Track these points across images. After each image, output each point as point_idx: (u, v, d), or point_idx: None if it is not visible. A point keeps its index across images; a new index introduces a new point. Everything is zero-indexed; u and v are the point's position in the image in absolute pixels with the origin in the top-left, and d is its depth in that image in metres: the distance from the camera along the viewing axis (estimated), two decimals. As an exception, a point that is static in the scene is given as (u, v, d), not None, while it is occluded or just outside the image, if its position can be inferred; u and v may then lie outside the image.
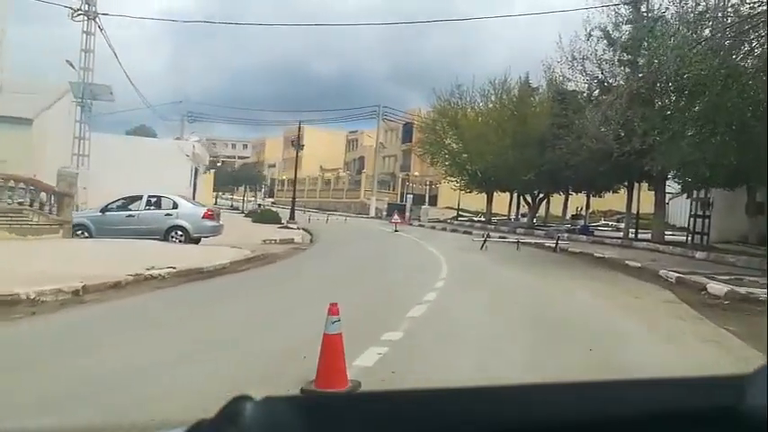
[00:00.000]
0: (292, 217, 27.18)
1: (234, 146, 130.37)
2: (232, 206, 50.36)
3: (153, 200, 17.01)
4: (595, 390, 0.69)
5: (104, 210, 16.53)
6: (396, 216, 28.78)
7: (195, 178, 26.07)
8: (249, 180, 51.68)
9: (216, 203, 56.30)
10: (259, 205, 51.03)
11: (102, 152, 21.56)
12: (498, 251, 18.63)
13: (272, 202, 75.51)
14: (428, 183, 60.78)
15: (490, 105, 34.77)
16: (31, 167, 20.98)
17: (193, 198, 25.64)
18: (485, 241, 19.04)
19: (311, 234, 26.91)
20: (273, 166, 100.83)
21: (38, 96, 22.12)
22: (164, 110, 45.01)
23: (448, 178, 41.25)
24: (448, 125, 37.30)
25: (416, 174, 62.99)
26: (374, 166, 53.16)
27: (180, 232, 16.61)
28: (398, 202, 54.19)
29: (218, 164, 62.38)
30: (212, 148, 73.21)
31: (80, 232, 16.21)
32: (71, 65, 20.48)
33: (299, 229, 26.48)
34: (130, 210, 16.71)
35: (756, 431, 0.59)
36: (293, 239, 21.25)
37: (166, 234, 16.50)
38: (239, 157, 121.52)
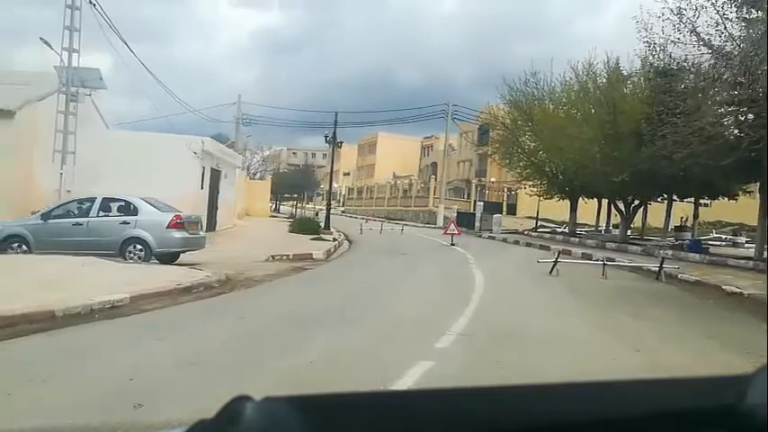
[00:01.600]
0: (327, 226, 22.88)
1: (314, 155, 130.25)
2: (292, 214, 47.00)
3: (109, 204, 13.16)
4: (595, 390, 0.69)
5: (46, 216, 12.84)
6: (452, 226, 23.72)
7: (217, 182, 22.25)
8: (305, 187, 47.84)
9: (275, 210, 53.51)
10: (316, 213, 47.34)
11: (97, 149, 18.18)
12: (574, 278, 13.27)
13: (342, 211, 72.47)
14: (505, 189, 54.92)
15: (572, 96, 29.02)
16: (13, 166, 17.90)
17: (213, 205, 21.92)
18: (555, 263, 13.73)
19: (346, 244, 22.55)
20: (348, 174, 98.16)
21: (32, 88, 19.20)
22: (223, 114, 41.92)
23: (524, 182, 35.60)
24: (522, 119, 31.81)
25: (493, 180, 57.35)
26: (443, 171, 48.12)
27: (139, 246, 12.63)
28: (471, 210, 48.90)
29: (277, 170, 59.40)
30: (276, 155, 70.87)
31: (16, 245, 12.62)
32: (47, 44, 17.25)
33: (334, 240, 22.17)
34: (78, 216, 12.94)
35: (757, 431, 0.59)
36: (311, 255, 16.91)
37: (122, 248, 12.58)
38: (318, 167, 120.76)
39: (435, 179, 54.70)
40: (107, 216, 12.91)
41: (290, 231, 25.78)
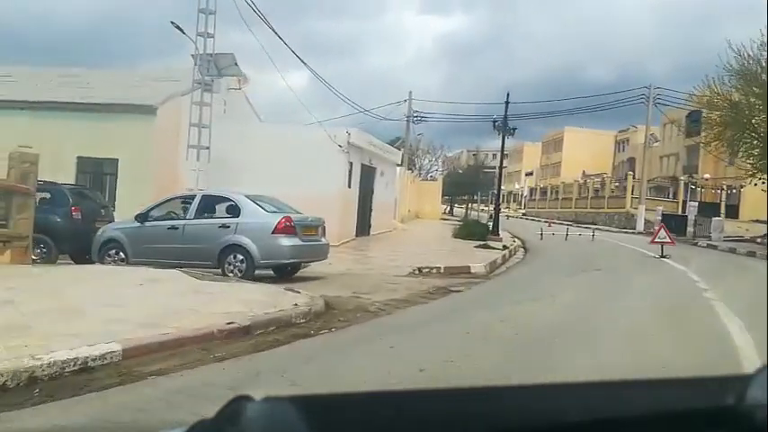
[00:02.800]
0: (495, 231, 18.79)
1: (494, 156, 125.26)
2: (466, 217, 43.36)
3: (212, 202, 10.68)
4: (595, 390, 0.69)
5: (142, 217, 10.69)
6: (661, 233, 18.09)
7: (371, 180, 19.47)
8: (479, 187, 43.32)
9: (449, 213, 50.14)
10: (491, 216, 43.08)
11: (234, 143, 16.36)
12: None
13: (523, 213, 66.93)
14: (724, 187, 45.32)
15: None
16: (156, 164, 16.70)
17: (366, 206, 19.14)
18: None
19: (520, 253, 18.35)
20: (530, 173, 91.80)
21: (179, 83, 18.06)
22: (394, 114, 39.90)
23: (756, 177, 27.81)
24: (754, 95, 24.51)
25: (706, 176, 47.96)
26: (643, 166, 40.80)
27: (240, 256, 9.92)
28: (679, 212, 40.90)
29: (452, 171, 55.77)
30: (456, 158, 67.52)
31: (113, 251, 10.68)
32: (178, 27, 15.65)
33: (504, 249, 18.08)
34: (175, 219, 10.61)
35: (757, 431, 0.59)
36: (468, 268, 13.12)
37: (220, 259, 9.97)
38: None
39: (633, 176, 47.15)
40: (206, 218, 10.42)
41: (455, 236, 22.16)
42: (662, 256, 17.61)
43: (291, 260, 10.32)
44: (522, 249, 21.86)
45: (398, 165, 26.19)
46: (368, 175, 19.71)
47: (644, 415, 0.62)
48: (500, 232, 21.39)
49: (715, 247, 25.14)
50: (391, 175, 23.19)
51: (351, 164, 17.44)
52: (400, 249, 16.61)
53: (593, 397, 0.67)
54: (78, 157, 16.86)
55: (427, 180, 46.29)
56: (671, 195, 50.09)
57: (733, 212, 44.59)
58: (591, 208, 51.46)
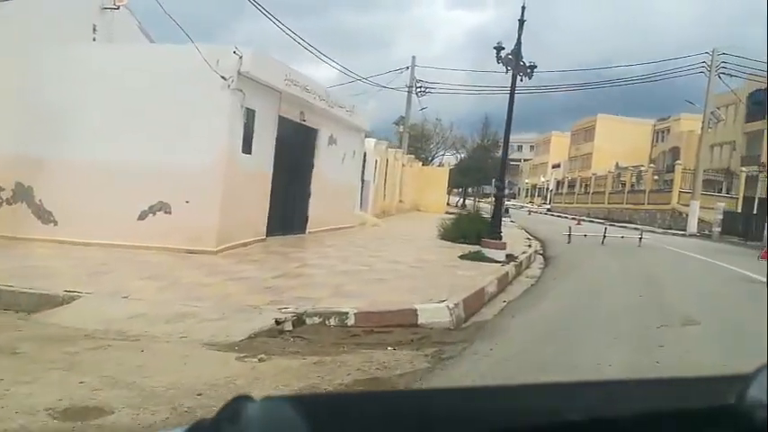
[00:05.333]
0: (495, 232, 11.46)
1: (520, 147, 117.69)
2: (475, 210, 35.95)
3: None
4: (595, 390, 0.68)
5: None
6: None
7: (305, 148, 12.65)
8: (489, 174, 35.21)
9: (461, 205, 42.65)
10: (506, 210, 35.68)
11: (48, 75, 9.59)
12: None
13: (548, 209, 59.23)
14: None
15: None
16: None
17: (293, 188, 12.34)
18: None
19: (534, 269, 11.35)
20: (558, 166, 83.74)
21: None
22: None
23: None
24: None
25: (772, 168, 39.65)
26: (699, 150, 32.86)
27: None
28: (737, 210, 33.10)
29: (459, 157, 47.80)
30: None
31: None
32: None
33: (508, 259, 10.97)
34: None
35: (757, 431, 0.58)
36: (415, 315, 6.05)
37: None
38: (524, 160, 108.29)
39: (679, 165, 39.25)
40: None
41: (442, 238, 15.05)
42: (778, 282, 10.30)
43: None
44: (541, 259, 14.72)
45: (371, 137, 19.01)
46: (298, 138, 12.66)
47: (644, 415, 0.60)
48: (503, 234, 14.14)
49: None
50: (353, 147, 16.08)
51: (251, 113, 10.39)
52: (316, 263, 9.57)
53: (592, 397, 0.65)
54: None
55: (432, 166, 38.95)
56: (724, 190, 42.02)
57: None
58: (628, 203, 43.65)
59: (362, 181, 18.38)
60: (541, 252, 16.22)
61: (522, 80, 11.68)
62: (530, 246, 15.64)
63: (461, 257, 11.24)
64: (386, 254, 11.17)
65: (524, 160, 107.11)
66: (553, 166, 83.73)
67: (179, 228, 9.66)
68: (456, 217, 15.98)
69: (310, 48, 25.19)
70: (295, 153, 12.73)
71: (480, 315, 7.07)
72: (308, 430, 0.53)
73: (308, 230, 13.36)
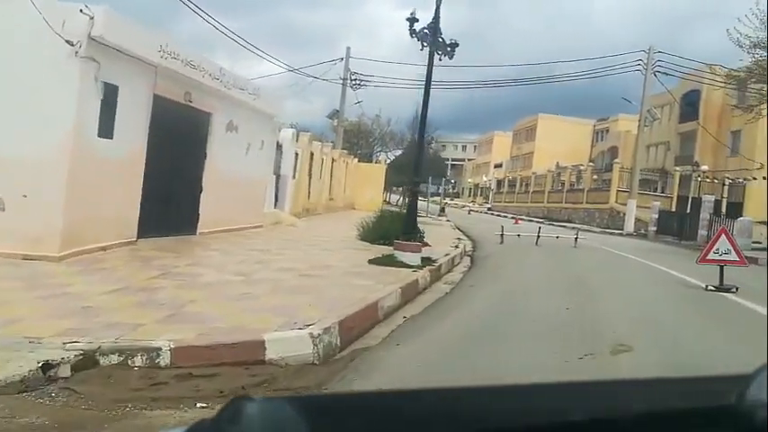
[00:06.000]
0: (412, 232, 9.95)
1: (464, 147, 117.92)
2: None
3: None
4: (595, 390, 0.68)
5: None
6: (722, 243, 9.48)
7: (198, 132, 10.79)
8: (425, 172, 33.62)
9: (402, 204, 41.13)
10: (442, 209, 34.52)
11: None
12: None
13: (489, 208, 58.68)
14: (726, 181, 37.30)
15: None
16: None
17: (184, 179, 10.52)
18: None
19: (456, 274, 9.93)
20: (500, 165, 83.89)
21: None
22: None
23: None
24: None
25: (705, 168, 40.09)
26: (636, 148, 32.49)
27: None
28: (673, 209, 32.98)
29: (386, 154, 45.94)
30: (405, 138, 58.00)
31: None
32: None
33: (422, 265, 9.51)
34: None
35: (757, 431, 0.58)
36: (262, 348, 4.36)
37: None
38: (468, 160, 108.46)
39: (617, 164, 39.10)
40: None
41: (362, 238, 13.51)
42: (722, 289, 9.18)
43: None
44: (468, 261, 13.42)
45: (281, 122, 17.22)
46: (184, 122, 10.81)
47: (644, 414, 0.60)
48: (431, 234, 12.67)
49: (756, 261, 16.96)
50: (262, 136, 14.29)
51: (111, 89, 8.52)
52: (180, 272, 7.77)
53: (592, 397, 0.65)
54: None
55: (368, 163, 37.40)
56: (659, 189, 42.25)
57: (735, 211, 36.55)
58: (567, 203, 43.36)
59: (278, 175, 16.60)
60: (470, 253, 14.92)
61: (440, 59, 10.22)
62: (456, 247, 14.29)
63: (371, 262, 9.70)
64: (281, 259, 9.49)
65: (468, 160, 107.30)
66: (495, 166, 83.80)
67: (14, 229, 7.71)
68: (378, 215, 14.43)
69: (247, 45, 23.10)
70: (181, 140, 10.87)
71: (365, 340, 5.52)
72: (308, 430, 0.53)
73: (198, 231, 11.52)
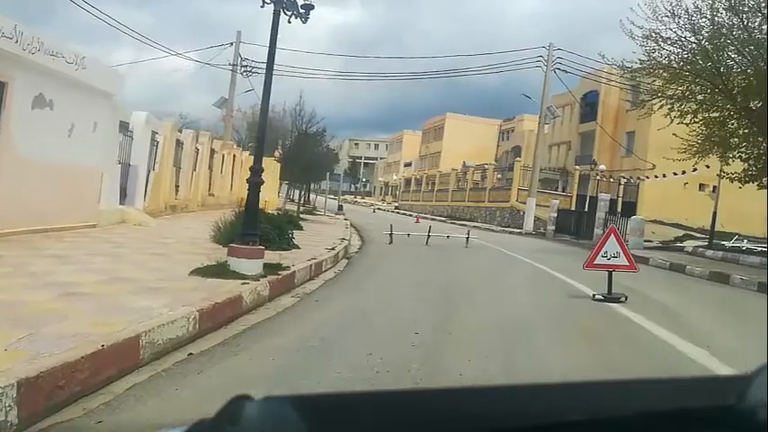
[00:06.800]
0: (250, 232, 8.11)
1: (377, 146, 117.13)
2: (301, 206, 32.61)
3: None
4: (595, 390, 0.68)
5: None
6: (611, 244, 8.24)
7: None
8: (317, 169, 30.85)
9: (304, 201, 38.77)
10: (340, 206, 32.80)
11: None
12: None
13: (396, 207, 57.58)
14: (621, 181, 37.93)
15: None
16: None
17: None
18: None
19: (329, 272, 8.04)
20: (410, 164, 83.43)
21: None
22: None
23: (756, 180, 18.55)
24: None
25: (602, 167, 40.75)
26: (537, 146, 32.10)
27: None
28: (573, 208, 32.95)
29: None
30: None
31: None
32: None
33: (258, 279, 7.59)
34: None
35: (757, 431, 0.58)
36: None
37: None
38: (380, 158, 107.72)
39: (518, 162, 38.90)
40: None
41: (216, 241, 11.39)
42: (611, 298, 7.90)
43: None
44: (345, 263, 11.72)
45: (113, 93, 14.74)
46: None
47: (644, 415, 0.60)
48: (293, 236, 10.75)
49: (650, 262, 16.33)
50: (93, 117, 11.82)
51: None
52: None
53: (592, 397, 0.65)
54: None
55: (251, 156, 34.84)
56: (560, 188, 42.63)
57: (629, 210, 37.26)
58: (470, 201, 42.85)
59: (128, 165, 14.12)
60: (350, 256, 13.23)
61: (290, 21, 8.33)
62: (333, 249, 12.51)
63: (194, 272, 7.65)
64: (68, 271, 7.22)
65: (380, 158, 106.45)
66: (405, 165, 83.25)
67: None
68: (236, 213, 12.36)
69: (133, 33, 20.21)
70: None
71: (87, 402, 3.54)
72: (307, 430, 0.52)
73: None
